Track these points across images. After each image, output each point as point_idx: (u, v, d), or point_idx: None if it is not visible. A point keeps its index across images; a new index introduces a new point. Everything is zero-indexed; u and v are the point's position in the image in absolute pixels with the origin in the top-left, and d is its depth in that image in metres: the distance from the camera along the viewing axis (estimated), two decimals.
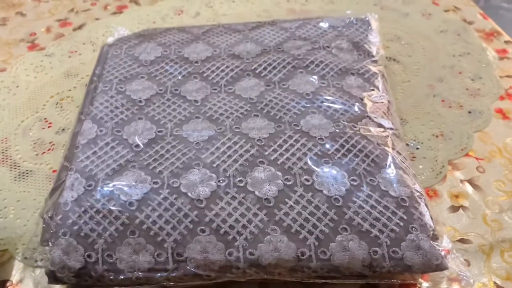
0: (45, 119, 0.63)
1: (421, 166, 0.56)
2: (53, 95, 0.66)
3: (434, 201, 0.53)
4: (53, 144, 0.60)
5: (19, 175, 0.56)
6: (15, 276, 0.48)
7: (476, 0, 1.47)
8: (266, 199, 0.45)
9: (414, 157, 0.57)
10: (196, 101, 0.56)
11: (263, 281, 0.46)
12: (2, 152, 0.58)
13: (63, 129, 0.61)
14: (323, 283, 0.44)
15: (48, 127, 0.62)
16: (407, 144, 0.58)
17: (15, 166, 0.57)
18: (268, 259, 0.42)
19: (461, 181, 0.55)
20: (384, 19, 0.77)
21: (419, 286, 0.46)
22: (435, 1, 0.83)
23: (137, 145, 0.50)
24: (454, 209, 0.53)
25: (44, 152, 0.59)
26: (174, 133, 0.52)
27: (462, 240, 0.50)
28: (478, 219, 0.52)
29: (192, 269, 0.42)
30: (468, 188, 0.55)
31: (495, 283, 0.47)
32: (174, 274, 0.42)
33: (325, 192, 0.46)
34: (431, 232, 0.44)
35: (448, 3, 0.82)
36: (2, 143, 0.60)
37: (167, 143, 0.51)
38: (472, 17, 0.79)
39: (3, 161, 0.58)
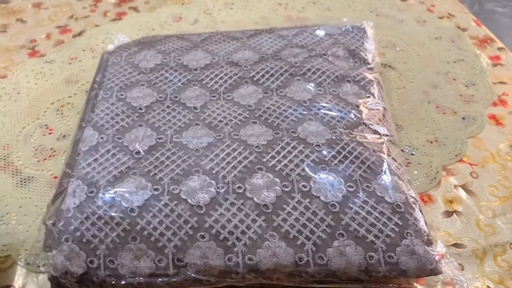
0: (46, 125, 0.63)
1: (416, 172, 0.57)
2: (54, 101, 0.67)
3: (428, 206, 0.54)
4: (54, 151, 0.60)
5: (20, 181, 0.57)
6: (17, 281, 0.48)
7: (470, 4, 1.48)
8: (264, 205, 0.46)
9: (409, 163, 0.58)
10: (195, 108, 0.56)
11: (262, 286, 0.47)
12: (4, 159, 0.59)
13: (64, 136, 0.62)
14: (321, 287, 0.45)
15: (49, 133, 0.62)
16: (402, 150, 0.59)
17: (16, 172, 0.58)
18: (266, 264, 0.43)
19: (455, 186, 0.56)
20: (380, 26, 0.78)
21: None
22: (430, 8, 0.83)
23: (138, 152, 0.51)
24: (448, 214, 0.54)
25: (45, 159, 0.59)
26: (174, 140, 0.53)
27: (456, 245, 0.51)
28: (472, 224, 0.53)
29: (192, 274, 0.43)
30: (462, 193, 0.55)
31: (488, 287, 0.47)
32: (174, 279, 0.43)
33: (322, 198, 0.46)
34: (426, 237, 0.45)
35: (442, 10, 0.83)
36: (4, 149, 0.60)
37: (167, 150, 0.51)
38: (466, 24, 0.80)
39: (5, 167, 0.58)
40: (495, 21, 1.53)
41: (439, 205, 0.54)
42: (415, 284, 0.47)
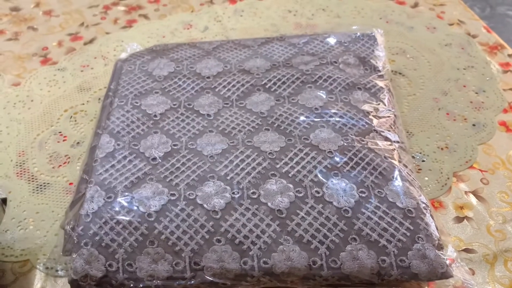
0: (59, 132, 0.64)
1: (426, 178, 0.58)
2: (67, 109, 0.68)
3: (439, 212, 0.55)
4: (69, 157, 0.61)
5: (37, 187, 0.58)
6: (37, 285, 0.49)
7: (482, 8, 1.49)
8: (278, 210, 0.47)
9: (420, 169, 0.59)
10: (209, 115, 0.57)
11: None
12: (20, 165, 0.60)
13: (78, 143, 0.63)
14: None
15: (63, 140, 0.63)
16: (413, 157, 0.59)
17: (32, 179, 0.59)
18: (281, 268, 0.44)
19: (466, 192, 0.57)
20: (390, 33, 0.79)
21: None
22: (440, 15, 0.84)
23: (154, 158, 0.52)
24: (459, 219, 0.54)
25: (60, 165, 0.60)
26: (189, 146, 0.53)
27: (467, 250, 0.51)
28: (482, 229, 0.53)
29: (208, 277, 0.44)
30: (473, 199, 0.56)
31: None
32: (191, 282, 0.44)
33: (335, 203, 0.47)
34: (437, 242, 0.45)
35: (452, 16, 0.84)
36: (20, 156, 0.61)
37: (182, 156, 0.52)
38: (476, 30, 0.80)
39: (21, 174, 0.59)
40: (506, 24, 1.53)
41: (450, 211, 0.55)
42: None
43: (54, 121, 0.66)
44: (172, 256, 0.44)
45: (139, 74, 0.63)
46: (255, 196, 0.48)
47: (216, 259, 0.44)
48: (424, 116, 0.65)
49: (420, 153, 0.61)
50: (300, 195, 0.48)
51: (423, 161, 0.60)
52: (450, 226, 0.53)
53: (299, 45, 0.67)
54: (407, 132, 0.63)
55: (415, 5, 0.86)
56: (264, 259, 0.44)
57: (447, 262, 0.45)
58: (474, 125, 0.64)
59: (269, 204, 0.47)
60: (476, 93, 0.69)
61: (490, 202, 0.56)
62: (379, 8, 0.85)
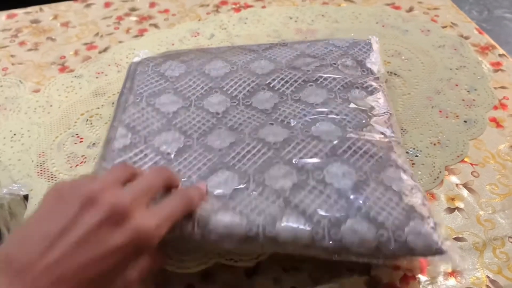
0: (76, 134, 0.68)
1: (420, 172, 0.61)
2: (83, 112, 0.71)
3: (432, 203, 0.57)
4: (85, 158, 0.65)
5: None
6: None
7: (480, 11, 1.51)
8: (282, 190, 0.50)
9: (413, 164, 0.61)
10: (217, 113, 0.61)
11: (284, 268, 0.51)
12: (40, 165, 0.64)
13: (94, 144, 0.66)
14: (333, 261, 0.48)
15: (80, 142, 0.67)
16: (407, 152, 0.62)
17: (52, 177, 0.62)
18: (284, 237, 0.47)
19: (457, 185, 0.60)
20: (386, 36, 0.82)
21: (418, 280, 0.51)
22: (433, 18, 0.87)
23: (168, 154, 0.55)
24: (450, 210, 0.57)
25: (77, 165, 0.64)
26: (200, 142, 0.57)
27: (457, 238, 0.54)
28: (473, 219, 0.56)
29: (215, 238, 0.48)
30: (464, 191, 0.59)
31: (487, 276, 0.51)
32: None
33: (335, 185, 0.50)
34: (430, 221, 0.48)
35: (446, 19, 0.87)
36: (40, 157, 0.65)
37: (194, 151, 0.56)
38: (468, 32, 0.83)
39: (41, 173, 0.63)
40: (503, 27, 1.54)
41: (441, 202, 0.58)
42: (419, 276, 0.51)
43: (72, 124, 0.70)
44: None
45: (152, 75, 0.66)
46: (260, 180, 0.51)
47: (223, 226, 0.48)
48: (418, 114, 0.68)
49: (414, 148, 0.63)
50: (302, 177, 0.51)
51: (417, 156, 0.62)
52: (442, 217, 0.56)
53: (301, 49, 0.70)
54: (402, 129, 0.65)
55: (410, 9, 0.90)
56: (269, 229, 0.47)
57: (441, 239, 0.47)
58: (465, 121, 0.67)
59: (273, 186, 0.51)
60: (468, 91, 0.71)
61: (480, 193, 0.58)
62: (375, 13, 0.89)
